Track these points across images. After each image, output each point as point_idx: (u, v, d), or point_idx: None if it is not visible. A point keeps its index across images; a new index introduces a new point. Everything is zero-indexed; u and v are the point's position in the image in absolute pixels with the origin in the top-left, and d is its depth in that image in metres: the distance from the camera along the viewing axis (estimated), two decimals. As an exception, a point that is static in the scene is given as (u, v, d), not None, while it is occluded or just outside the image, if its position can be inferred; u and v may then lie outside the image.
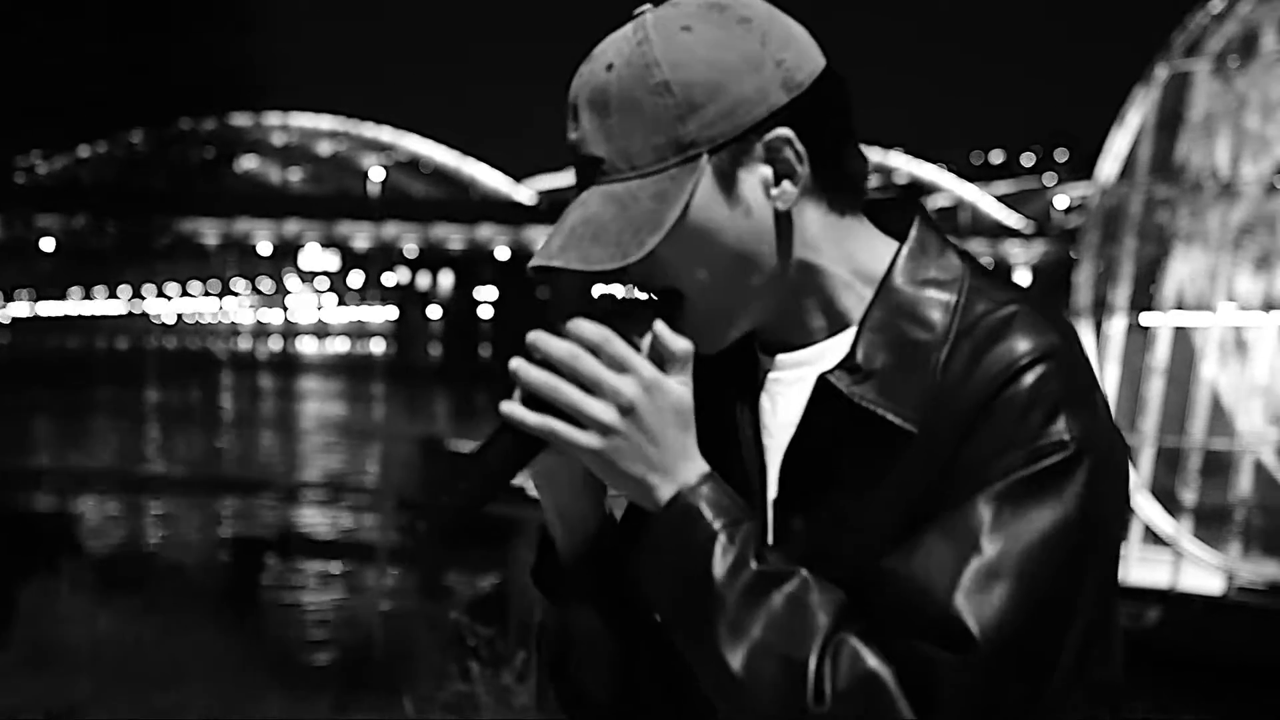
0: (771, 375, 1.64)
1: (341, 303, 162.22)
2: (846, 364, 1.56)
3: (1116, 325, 23.55)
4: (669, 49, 1.54)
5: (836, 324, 1.61)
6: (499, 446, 1.55)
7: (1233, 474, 21.60)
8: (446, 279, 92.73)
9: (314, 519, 30.27)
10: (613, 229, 1.52)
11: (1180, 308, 24.02)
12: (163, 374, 76.05)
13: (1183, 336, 24.01)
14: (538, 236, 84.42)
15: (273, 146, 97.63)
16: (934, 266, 1.60)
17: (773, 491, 1.62)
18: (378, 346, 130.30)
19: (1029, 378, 1.50)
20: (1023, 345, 1.52)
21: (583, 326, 1.52)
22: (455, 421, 53.41)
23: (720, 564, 1.51)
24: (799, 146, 1.56)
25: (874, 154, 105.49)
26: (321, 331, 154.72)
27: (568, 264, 1.52)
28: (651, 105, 1.53)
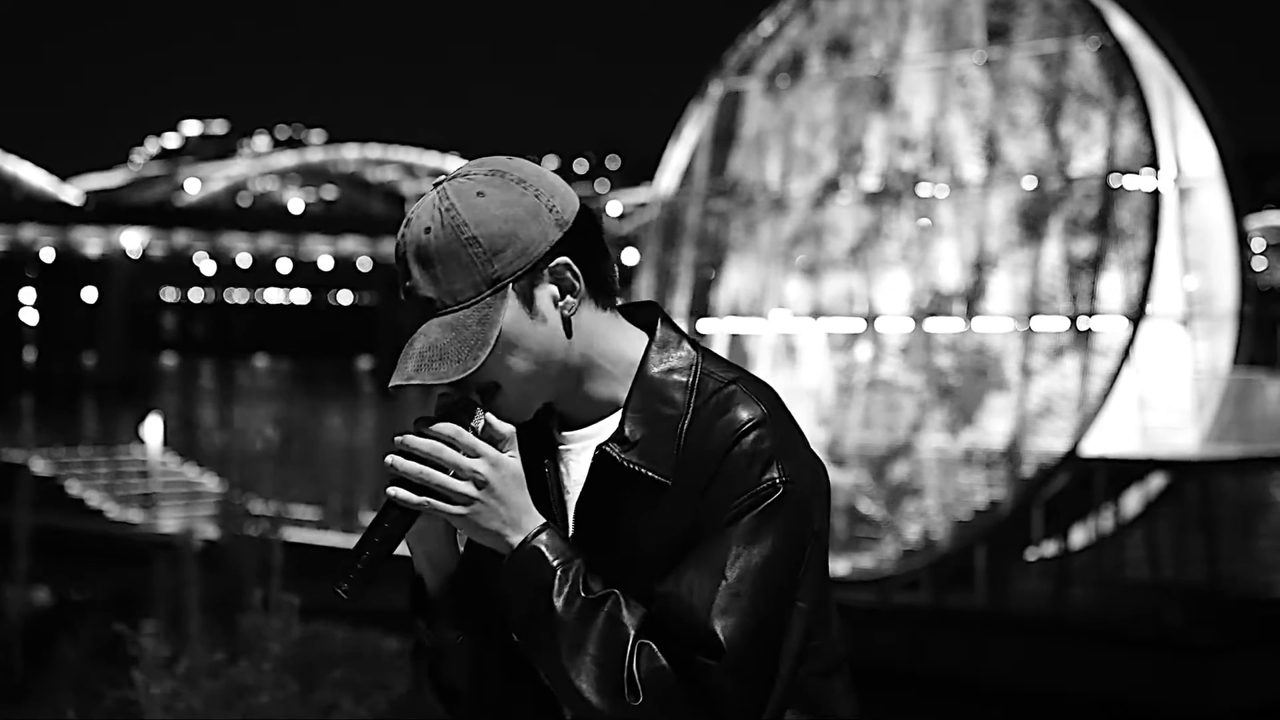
0: (564, 447, 2.15)
1: None
2: (617, 437, 2.08)
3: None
4: (471, 211, 2.04)
5: (607, 408, 2.12)
6: (390, 519, 2.04)
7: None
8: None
9: None
10: (452, 350, 2.02)
11: (735, 315, 25.15)
12: None
13: (738, 343, 25.14)
14: (86, 238, 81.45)
15: None
16: (674, 356, 2.12)
17: (571, 532, 2.12)
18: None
19: (748, 440, 2.04)
20: (743, 414, 2.05)
21: (439, 426, 2.02)
22: None
23: (559, 594, 2.02)
24: (575, 268, 2.07)
25: (431, 157, 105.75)
26: None
27: (424, 380, 2.01)
28: (465, 255, 2.03)
